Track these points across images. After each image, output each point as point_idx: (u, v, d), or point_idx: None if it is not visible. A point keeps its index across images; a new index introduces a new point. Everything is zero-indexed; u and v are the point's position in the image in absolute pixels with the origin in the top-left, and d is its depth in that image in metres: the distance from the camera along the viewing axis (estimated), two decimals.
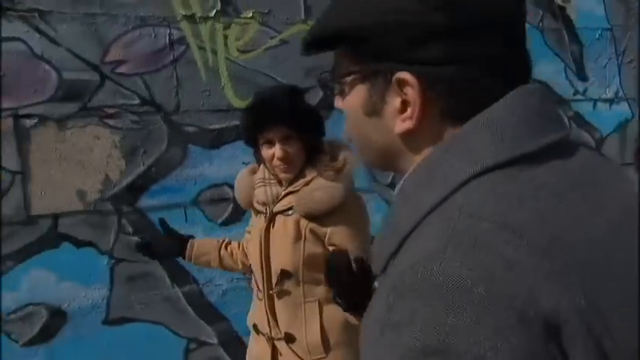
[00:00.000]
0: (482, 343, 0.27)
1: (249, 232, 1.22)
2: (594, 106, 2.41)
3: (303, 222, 1.07)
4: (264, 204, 1.12)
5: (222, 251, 1.25)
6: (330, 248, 1.07)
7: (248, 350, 1.23)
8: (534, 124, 0.35)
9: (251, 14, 1.77)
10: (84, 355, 1.62)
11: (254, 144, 1.10)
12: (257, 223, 1.16)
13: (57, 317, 1.58)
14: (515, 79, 0.37)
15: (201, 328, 1.71)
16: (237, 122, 1.74)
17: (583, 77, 2.35)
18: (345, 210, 1.07)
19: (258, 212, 1.16)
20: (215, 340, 1.73)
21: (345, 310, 0.96)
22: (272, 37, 1.80)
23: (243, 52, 1.76)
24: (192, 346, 1.71)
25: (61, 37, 1.52)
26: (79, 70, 1.56)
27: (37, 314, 1.55)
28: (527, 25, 0.44)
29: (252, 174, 1.17)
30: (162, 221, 1.26)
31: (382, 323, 0.32)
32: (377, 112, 0.40)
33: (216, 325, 1.72)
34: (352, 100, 0.42)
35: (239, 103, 1.77)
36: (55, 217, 1.56)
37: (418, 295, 0.30)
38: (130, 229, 1.65)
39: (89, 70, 1.57)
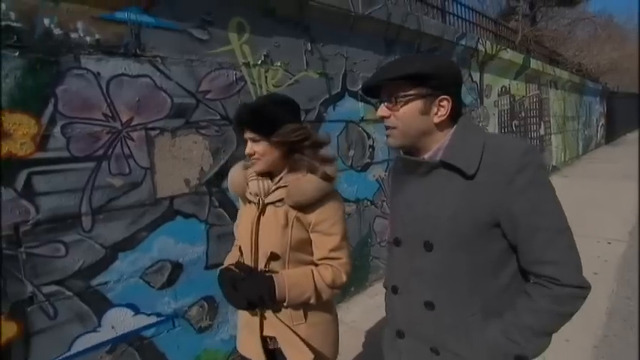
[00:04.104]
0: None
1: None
2: None
3: (291, 212, 1.10)
4: (256, 195, 1.14)
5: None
6: (312, 235, 1.11)
7: (239, 319, 1.27)
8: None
9: (279, 64, 2.49)
10: (194, 292, 2.07)
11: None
12: (248, 210, 1.18)
13: (176, 268, 2.00)
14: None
15: None
16: None
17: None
18: (327, 203, 1.10)
19: (249, 202, 1.19)
20: None
21: (252, 309, 1.10)
22: (290, 78, 2.56)
23: (275, 86, 2.46)
24: None
25: (173, 74, 1.97)
26: (184, 96, 2.01)
27: (165, 267, 1.97)
28: None
29: (245, 169, 1.21)
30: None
31: (522, 179, 0.71)
32: (427, 113, 0.80)
33: None
34: (410, 107, 0.79)
35: None
36: (172, 198, 1.97)
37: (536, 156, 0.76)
38: (217, 204, 2.16)
39: (189, 96, 2.03)
